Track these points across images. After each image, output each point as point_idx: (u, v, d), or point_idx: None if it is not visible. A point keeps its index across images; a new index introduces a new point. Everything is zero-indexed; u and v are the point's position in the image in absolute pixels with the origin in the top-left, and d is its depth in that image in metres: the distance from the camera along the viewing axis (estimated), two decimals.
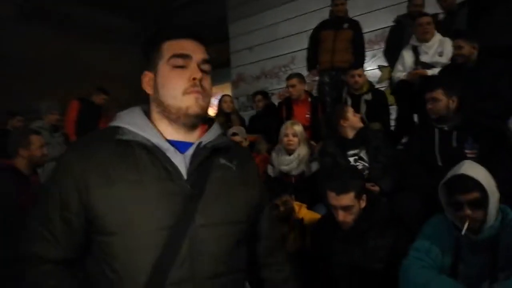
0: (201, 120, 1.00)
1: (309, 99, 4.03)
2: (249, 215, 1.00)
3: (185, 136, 0.98)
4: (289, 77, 4.00)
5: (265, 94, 5.02)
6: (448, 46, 3.33)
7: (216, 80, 6.78)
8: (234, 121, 4.52)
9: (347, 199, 1.89)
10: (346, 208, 1.91)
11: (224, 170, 0.98)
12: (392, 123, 3.91)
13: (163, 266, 0.85)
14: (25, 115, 4.69)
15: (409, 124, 3.55)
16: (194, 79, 0.93)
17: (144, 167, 0.89)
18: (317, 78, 4.45)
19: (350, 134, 2.89)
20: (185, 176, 0.91)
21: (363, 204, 1.98)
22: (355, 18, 5.55)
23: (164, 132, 0.95)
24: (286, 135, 3.07)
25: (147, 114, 0.99)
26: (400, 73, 3.59)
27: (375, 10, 5.58)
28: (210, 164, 0.96)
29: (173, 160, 0.91)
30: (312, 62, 4.49)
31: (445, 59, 3.36)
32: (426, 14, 3.61)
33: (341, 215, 1.92)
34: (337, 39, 4.23)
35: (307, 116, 3.96)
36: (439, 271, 1.69)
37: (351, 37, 4.26)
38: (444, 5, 3.84)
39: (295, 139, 3.06)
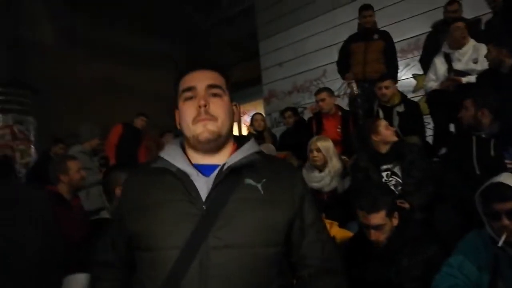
0: (221, 143, 1.03)
1: (340, 113, 3.98)
2: (270, 238, 0.97)
3: (211, 160, 1.03)
4: (318, 92, 4.00)
5: (294, 110, 5.02)
6: (483, 53, 3.20)
7: (248, 97, 7.00)
8: (266, 138, 4.55)
9: (378, 218, 1.84)
10: (377, 227, 1.86)
11: (247, 190, 0.98)
12: (430, 132, 3.79)
13: (172, 284, 0.91)
14: (69, 141, 4.97)
15: (446, 135, 3.41)
16: (199, 107, 0.99)
17: (170, 190, 0.98)
18: (353, 80, 4.35)
19: (383, 148, 2.81)
20: (204, 197, 0.96)
21: (395, 222, 1.92)
22: (386, 28, 5.50)
23: (192, 158, 1.04)
24: (311, 151, 3.05)
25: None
26: (432, 83, 3.48)
27: (407, 18, 5.48)
28: (233, 185, 0.98)
29: (196, 183, 0.97)
30: (344, 73, 4.46)
31: (480, 66, 3.23)
32: (461, 19, 3.50)
33: (373, 235, 1.87)
34: (368, 51, 4.20)
35: (338, 130, 3.91)
36: None
37: (382, 48, 4.22)
38: (492, 5, 3.69)
39: (320, 155, 3.02)
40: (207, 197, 0.96)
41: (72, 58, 6.85)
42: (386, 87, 3.60)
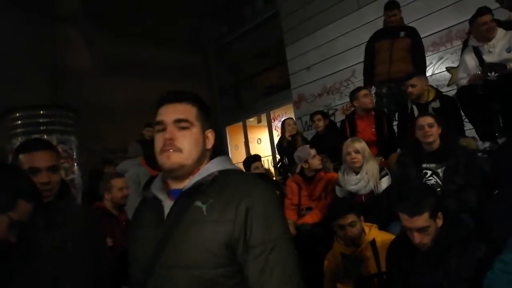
0: (187, 171, 1.08)
1: (373, 113, 3.90)
2: (211, 259, 0.97)
3: (181, 185, 1.10)
4: (359, 89, 3.89)
5: (324, 114, 4.98)
6: None
7: (278, 102, 7.05)
8: (298, 142, 4.54)
9: (422, 220, 1.79)
10: (421, 230, 1.80)
11: (194, 212, 1.03)
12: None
13: None
14: (117, 160, 5.20)
15: (487, 129, 3.27)
16: (164, 139, 1.07)
17: (146, 216, 1.13)
18: (373, 93, 4.28)
19: (430, 147, 2.75)
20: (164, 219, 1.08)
21: (440, 222, 1.86)
22: (416, 22, 5.38)
23: (169, 184, 1.12)
24: (349, 154, 3.00)
25: None
26: (463, 80, 3.34)
27: (437, 11, 5.33)
28: (184, 208, 1.04)
29: (164, 207, 1.08)
30: (369, 75, 4.34)
31: None
32: (487, 12, 3.33)
33: (417, 237, 1.82)
34: (393, 49, 4.06)
35: (373, 130, 3.83)
36: None
37: (409, 46, 4.07)
38: None
39: (359, 156, 2.97)
40: (166, 220, 1.06)
41: (107, 80, 7.21)
42: (412, 86, 3.47)
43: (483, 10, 3.32)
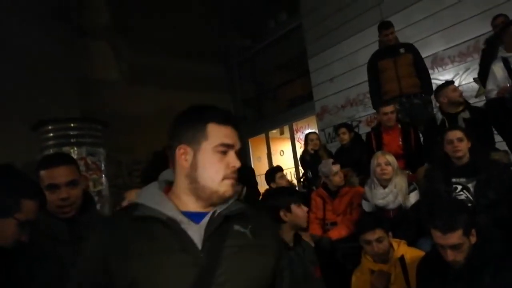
0: None
1: (399, 125, 3.85)
2: (263, 283, 1.00)
3: (204, 208, 1.01)
4: (384, 104, 3.86)
5: (349, 126, 4.94)
6: None
7: (301, 114, 7.04)
8: (322, 157, 4.51)
9: (455, 237, 1.74)
10: (455, 247, 1.76)
11: (239, 237, 0.99)
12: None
13: None
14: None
15: None
16: (233, 167, 1.00)
17: (159, 240, 0.93)
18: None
19: (459, 161, 2.69)
20: (199, 247, 0.94)
21: (473, 239, 1.81)
22: (442, 32, 5.31)
23: (182, 205, 0.99)
24: (379, 165, 2.96)
25: (166, 184, 1.06)
26: (493, 92, 3.26)
27: (463, 21, 5.24)
28: (225, 232, 0.98)
29: (188, 231, 0.94)
30: (377, 95, 4.33)
31: None
32: None
33: (451, 255, 1.77)
34: (398, 66, 4.12)
35: (400, 143, 3.78)
36: None
37: (411, 61, 4.14)
38: None
39: (389, 168, 2.94)
40: (203, 246, 0.94)
41: (134, 91, 7.43)
42: (454, 90, 3.41)
43: None
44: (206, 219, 0.98)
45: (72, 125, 5.25)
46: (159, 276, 0.90)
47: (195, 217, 0.98)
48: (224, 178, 0.99)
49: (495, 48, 3.69)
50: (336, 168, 3.42)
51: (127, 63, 7.85)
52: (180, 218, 0.96)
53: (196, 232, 0.95)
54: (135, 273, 0.90)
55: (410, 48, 4.25)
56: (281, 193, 2.28)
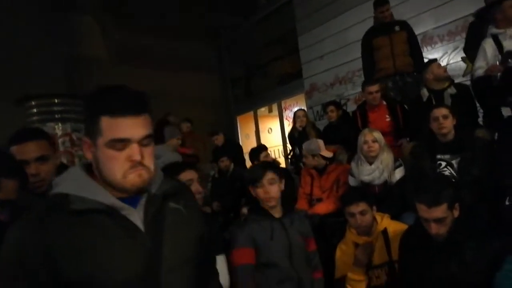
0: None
1: (384, 102, 3.87)
2: (199, 250, 1.08)
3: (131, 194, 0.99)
4: (369, 84, 3.84)
5: (337, 104, 4.95)
6: None
7: (290, 92, 7.02)
8: (310, 134, 4.53)
9: (440, 211, 1.78)
10: (439, 221, 1.80)
11: (175, 213, 1.04)
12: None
13: None
14: None
15: (497, 120, 3.21)
16: (133, 160, 0.93)
17: (104, 230, 0.92)
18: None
19: (444, 138, 2.73)
20: (142, 229, 0.96)
21: (456, 213, 1.86)
22: (432, 11, 5.27)
23: (112, 192, 0.96)
24: (366, 142, 2.99)
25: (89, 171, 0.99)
26: (481, 70, 3.28)
27: (453, 0, 5.20)
28: (162, 211, 1.01)
29: (129, 217, 0.95)
30: (370, 71, 4.32)
31: None
32: None
33: (434, 228, 1.82)
34: (393, 44, 4.10)
35: (387, 120, 3.80)
36: None
37: (406, 38, 4.13)
38: None
39: (376, 145, 2.97)
40: (145, 229, 0.96)
41: (121, 70, 7.28)
42: (439, 66, 3.45)
43: None
44: (142, 202, 0.98)
45: (56, 100, 5.16)
46: (111, 265, 0.90)
47: (131, 200, 0.97)
48: (125, 174, 0.93)
49: (484, 22, 3.70)
50: (321, 143, 3.48)
51: (115, 42, 7.65)
52: (118, 204, 0.94)
53: (136, 216, 0.96)
54: (86, 268, 0.89)
55: (405, 26, 4.21)
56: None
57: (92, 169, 0.99)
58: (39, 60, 6.09)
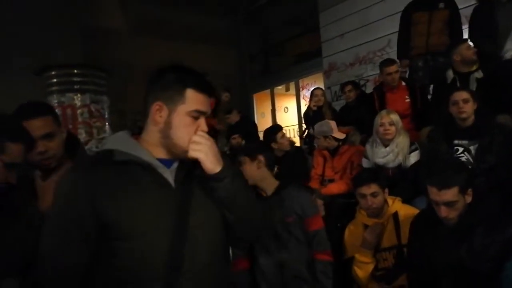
0: None
1: (403, 83, 3.77)
2: (221, 213, 1.16)
3: (171, 157, 1.14)
4: (387, 64, 3.72)
5: (355, 84, 4.85)
6: None
7: (308, 70, 6.89)
8: (326, 114, 4.47)
9: (450, 194, 1.76)
10: (449, 204, 1.78)
11: (201, 180, 1.14)
12: None
13: (176, 260, 1.05)
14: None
15: None
16: (202, 130, 1.12)
17: (140, 180, 1.07)
18: (407, 68, 4.16)
19: (463, 123, 2.65)
20: (174, 187, 1.10)
21: (468, 199, 1.82)
22: None
23: (153, 152, 1.12)
24: (382, 125, 2.94)
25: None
26: (510, 52, 3.14)
27: None
28: (191, 176, 1.14)
29: (163, 174, 1.10)
30: (404, 47, 4.16)
31: None
32: None
33: (444, 211, 1.79)
34: (432, 21, 3.89)
35: (407, 101, 3.71)
36: None
37: (447, 17, 3.89)
38: None
39: (392, 128, 2.92)
40: (175, 186, 1.10)
41: (140, 42, 7.29)
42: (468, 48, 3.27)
43: None
44: (175, 165, 1.13)
45: (76, 71, 5.19)
46: (145, 209, 1.05)
47: (165, 162, 1.12)
48: (191, 139, 1.10)
49: (490, 6, 3.58)
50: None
51: (132, 12, 7.62)
52: (155, 163, 1.10)
53: (169, 175, 1.11)
54: (119, 211, 1.03)
55: (450, 4, 3.97)
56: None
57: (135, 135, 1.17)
58: (57, 31, 6.13)
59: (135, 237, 1.04)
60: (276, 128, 3.94)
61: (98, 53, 6.71)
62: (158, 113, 1.11)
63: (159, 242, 1.05)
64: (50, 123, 1.48)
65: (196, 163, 1.10)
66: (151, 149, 1.12)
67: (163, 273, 1.04)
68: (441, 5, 3.93)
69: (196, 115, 1.11)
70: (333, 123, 3.43)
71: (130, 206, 1.04)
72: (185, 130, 1.10)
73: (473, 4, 4.41)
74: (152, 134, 1.13)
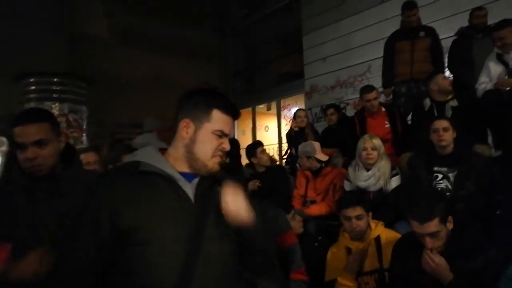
0: None
1: (383, 109, 3.88)
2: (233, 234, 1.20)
3: (193, 172, 1.20)
4: (367, 90, 3.83)
5: (337, 107, 4.95)
6: None
7: (289, 91, 6.96)
8: (308, 135, 4.53)
9: (433, 226, 1.79)
10: (433, 235, 1.82)
11: (219, 195, 1.17)
12: None
13: (188, 269, 1.07)
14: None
15: (505, 136, 3.24)
16: (224, 148, 1.21)
17: (162, 191, 1.13)
18: (391, 97, 4.32)
19: (443, 150, 2.74)
20: (193, 201, 1.15)
21: (450, 226, 1.87)
22: (439, 22, 5.26)
23: (176, 166, 1.19)
24: (365, 149, 3.00)
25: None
26: (484, 85, 3.30)
27: (459, 13, 5.20)
28: (210, 191, 1.19)
29: (183, 187, 1.16)
30: (389, 76, 4.31)
31: None
32: (502, 26, 3.28)
33: (429, 242, 1.82)
34: (415, 49, 4.06)
35: (386, 126, 3.81)
36: None
37: (429, 46, 4.07)
38: None
39: (375, 153, 2.98)
40: (196, 200, 1.15)
41: (123, 52, 7.21)
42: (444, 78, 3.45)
43: None
44: (196, 180, 1.19)
45: (55, 79, 5.09)
46: (162, 217, 1.10)
47: (187, 177, 1.19)
48: (214, 155, 1.19)
49: (467, 40, 3.81)
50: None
51: (118, 22, 7.57)
52: (177, 176, 1.17)
53: (189, 188, 1.17)
54: (138, 218, 1.08)
55: (430, 32, 4.15)
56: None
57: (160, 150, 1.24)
58: (41, 38, 6.00)
59: (149, 243, 1.07)
60: (256, 144, 3.99)
61: (82, 61, 6.60)
62: (185, 129, 1.19)
63: (173, 250, 1.09)
64: (45, 130, 1.44)
65: (216, 180, 1.18)
66: (175, 163, 1.19)
67: (174, 281, 1.06)
68: (422, 33, 4.12)
69: (220, 134, 1.19)
70: (317, 145, 3.48)
71: (148, 213, 1.09)
72: (208, 146, 1.18)
73: (452, 36, 4.67)
74: (177, 149, 1.21)
